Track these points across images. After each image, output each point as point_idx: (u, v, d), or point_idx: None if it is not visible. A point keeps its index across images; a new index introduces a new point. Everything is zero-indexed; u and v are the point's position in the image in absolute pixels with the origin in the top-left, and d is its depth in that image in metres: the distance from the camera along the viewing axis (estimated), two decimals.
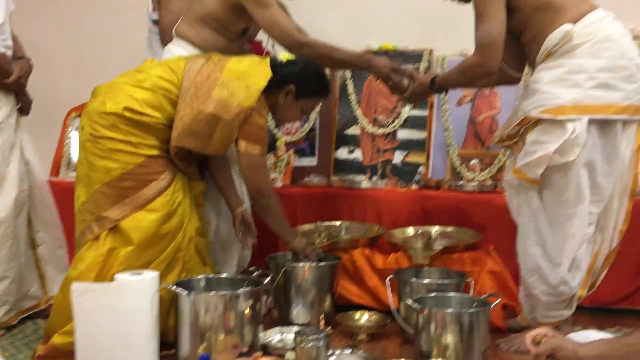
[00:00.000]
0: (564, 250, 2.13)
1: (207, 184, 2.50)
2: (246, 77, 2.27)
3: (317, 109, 3.31)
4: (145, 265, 2.17)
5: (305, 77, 2.37)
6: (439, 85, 2.40)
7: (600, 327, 2.31)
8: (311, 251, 2.51)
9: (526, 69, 2.46)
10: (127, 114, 2.19)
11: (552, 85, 2.09)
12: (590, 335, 1.62)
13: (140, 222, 2.18)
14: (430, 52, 3.43)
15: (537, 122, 2.11)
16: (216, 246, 2.57)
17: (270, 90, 2.32)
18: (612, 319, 2.64)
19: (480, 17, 2.17)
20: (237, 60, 2.33)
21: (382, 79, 2.54)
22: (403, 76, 2.52)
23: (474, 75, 2.23)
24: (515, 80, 2.51)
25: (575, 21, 2.09)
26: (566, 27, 2.08)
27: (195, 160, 2.41)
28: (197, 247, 2.36)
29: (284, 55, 2.40)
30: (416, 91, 2.50)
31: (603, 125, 2.08)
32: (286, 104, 2.38)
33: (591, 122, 2.05)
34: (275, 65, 2.35)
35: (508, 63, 2.39)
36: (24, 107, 2.64)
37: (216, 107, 2.21)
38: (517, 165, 2.17)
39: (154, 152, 2.24)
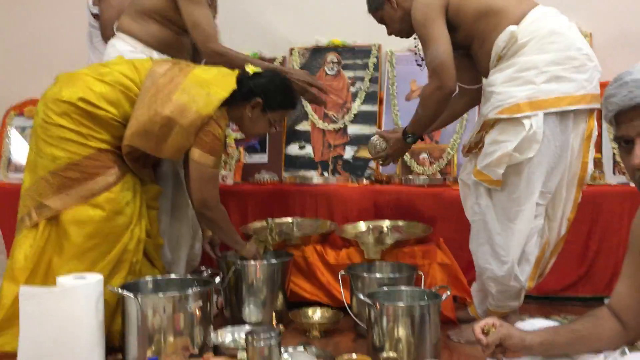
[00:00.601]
0: (511, 247, 2.16)
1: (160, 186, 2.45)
2: (209, 85, 2.23)
3: None
4: (90, 267, 2.10)
5: (272, 89, 2.33)
6: (412, 132, 2.41)
7: (547, 315, 2.38)
8: (255, 256, 2.50)
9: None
10: (82, 104, 2.14)
11: (505, 85, 2.11)
12: (536, 324, 1.65)
13: (80, 217, 2.11)
14: (379, 48, 3.45)
15: (495, 122, 2.13)
16: (165, 246, 2.51)
17: (236, 104, 2.28)
18: (557, 307, 2.72)
19: (424, 43, 2.23)
20: (203, 69, 2.31)
21: (298, 91, 2.51)
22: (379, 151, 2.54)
23: (437, 100, 2.22)
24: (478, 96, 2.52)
25: (517, 22, 2.13)
26: (511, 28, 2.12)
27: (150, 163, 2.35)
28: (146, 250, 2.31)
29: (250, 68, 2.37)
30: (394, 151, 2.51)
31: (558, 118, 2.10)
32: (253, 117, 2.34)
33: (546, 115, 2.07)
34: (242, 78, 2.31)
35: (464, 81, 2.42)
36: None
37: (174, 111, 2.17)
38: (478, 167, 2.18)
39: (105, 146, 2.18)
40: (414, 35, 2.35)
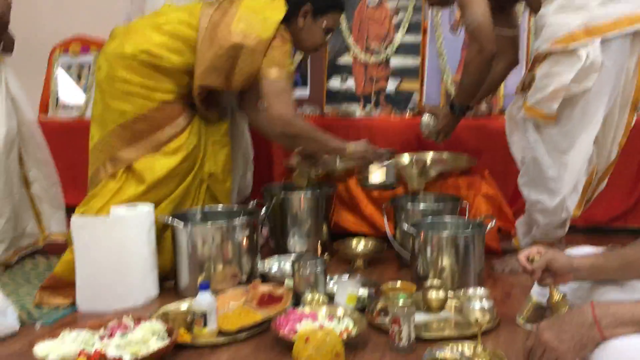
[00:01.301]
0: (564, 180, 2.11)
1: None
2: (262, 11, 2.24)
3: None
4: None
5: None
6: (459, 102, 2.37)
7: (594, 246, 2.34)
8: (375, 152, 2.35)
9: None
10: (145, 57, 2.18)
11: (557, 14, 2.01)
12: (585, 251, 1.64)
13: (153, 165, 2.18)
14: None
15: (547, 55, 2.04)
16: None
17: (288, 21, 2.29)
18: (605, 238, 2.67)
19: (462, 7, 2.17)
20: None
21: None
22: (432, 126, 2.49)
23: (479, 65, 2.17)
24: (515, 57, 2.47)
25: None
26: None
27: (217, 101, 2.39)
28: (215, 193, 2.38)
29: None
30: (444, 125, 2.46)
31: (616, 42, 1.99)
32: (306, 26, 2.33)
33: (604, 41, 1.97)
34: None
35: (503, 25, 2.34)
36: (6, 46, 2.56)
37: (235, 39, 2.19)
38: (528, 103, 2.10)
39: (170, 97, 2.23)
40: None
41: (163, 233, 2.21)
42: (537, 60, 2.09)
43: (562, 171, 2.11)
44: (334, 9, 2.40)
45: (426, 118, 2.54)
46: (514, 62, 2.49)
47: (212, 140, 2.38)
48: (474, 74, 2.24)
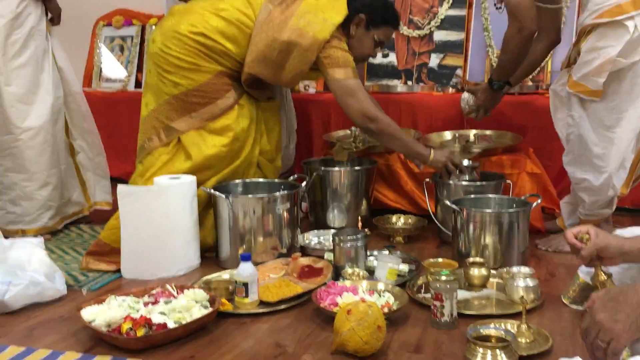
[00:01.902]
0: (610, 157, 2.06)
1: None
2: (324, 11, 2.24)
3: None
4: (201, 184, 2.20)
5: (375, 5, 2.33)
6: (497, 79, 2.37)
7: None
8: (457, 163, 2.29)
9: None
10: (200, 38, 2.20)
11: None
12: (634, 232, 1.59)
13: (201, 143, 2.21)
14: None
15: (592, 29, 1.99)
16: None
17: (345, 25, 2.29)
18: None
19: None
20: None
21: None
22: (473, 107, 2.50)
23: (519, 43, 2.17)
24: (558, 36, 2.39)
25: None
26: None
27: (266, 87, 2.41)
28: (264, 172, 2.41)
29: None
30: (484, 101, 2.47)
31: None
32: (358, 34, 2.33)
33: None
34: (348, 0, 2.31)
35: (546, 1, 2.26)
36: (54, 16, 2.59)
37: (291, 36, 2.20)
38: (574, 78, 2.05)
39: (221, 68, 2.25)
40: None
41: (206, 210, 2.23)
42: (582, 34, 2.04)
43: (609, 148, 2.05)
44: (388, 24, 2.39)
45: (466, 95, 2.54)
46: (556, 40, 2.41)
47: (264, 118, 2.40)
48: (512, 52, 2.23)
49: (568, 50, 2.21)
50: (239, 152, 2.28)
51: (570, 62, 2.16)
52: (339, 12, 2.26)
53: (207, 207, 2.23)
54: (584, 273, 1.71)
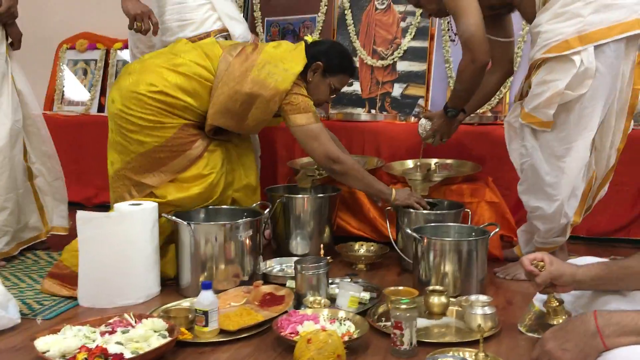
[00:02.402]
0: (561, 185, 2.12)
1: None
2: (283, 60, 2.28)
3: None
4: None
5: (332, 54, 2.40)
6: (452, 106, 2.45)
7: (596, 256, 2.34)
8: (418, 199, 2.37)
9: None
10: (161, 97, 2.20)
11: (551, 22, 2.03)
12: (587, 261, 1.64)
13: (175, 195, 2.22)
14: None
15: (542, 63, 2.06)
16: None
17: (302, 72, 2.33)
18: (607, 249, 2.68)
19: (455, 16, 2.20)
20: (273, 46, 2.35)
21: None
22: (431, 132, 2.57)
23: (471, 74, 2.23)
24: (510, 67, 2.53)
25: None
26: None
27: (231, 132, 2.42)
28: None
29: (309, 37, 2.46)
30: (439, 126, 2.54)
31: (610, 48, 2.00)
32: (314, 81, 2.37)
33: (597, 48, 1.98)
34: (305, 48, 2.37)
35: (498, 34, 2.39)
36: (14, 41, 2.56)
37: (253, 87, 2.23)
38: (526, 110, 2.11)
39: (184, 122, 2.24)
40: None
41: (168, 242, 2.23)
42: (533, 67, 2.11)
43: (560, 177, 2.12)
44: (344, 72, 2.45)
45: (423, 121, 2.61)
46: (509, 71, 2.53)
47: (238, 154, 2.43)
48: (466, 82, 2.29)
49: (520, 83, 2.28)
50: (211, 193, 2.29)
51: (522, 95, 2.23)
52: (299, 61, 2.30)
53: (169, 240, 2.22)
54: (539, 301, 1.75)
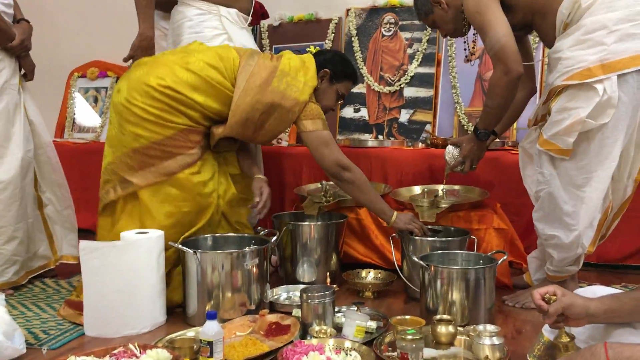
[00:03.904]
0: (580, 215, 2.08)
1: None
2: (300, 73, 2.35)
3: None
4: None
5: (338, 61, 2.48)
6: (483, 128, 2.33)
7: (606, 283, 2.31)
8: (419, 227, 2.38)
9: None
10: (169, 91, 2.22)
11: (573, 49, 2.01)
12: (597, 291, 1.61)
13: (159, 195, 2.21)
14: None
15: (563, 89, 2.03)
16: None
17: None
18: (617, 275, 2.65)
19: (482, 31, 2.15)
20: (289, 58, 2.40)
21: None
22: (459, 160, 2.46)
23: (505, 87, 2.13)
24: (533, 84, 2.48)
25: None
26: None
27: (235, 142, 2.44)
28: (229, 222, 2.41)
29: (311, 48, 2.56)
30: (469, 152, 2.42)
31: (633, 78, 1.97)
32: (323, 87, 2.43)
33: (620, 77, 1.95)
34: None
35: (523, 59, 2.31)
36: (27, 72, 2.61)
37: (274, 98, 2.28)
38: (545, 136, 2.08)
39: (185, 127, 2.26)
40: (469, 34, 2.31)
41: (174, 268, 2.23)
42: (553, 93, 2.08)
43: (579, 206, 2.07)
44: (349, 79, 2.52)
45: (450, 148, 2.48)
46: (533, 91, 2.49)
47: (225, 163, 2.43)
48: (500, 97, 2.18)
49: (535, 108, 2.26)
50: (207, 206, 2.29)
51: (537, 120, 2.21)
52: (313, 73, 2.37)
53: (176, 265, 2.22)
54: (548, 331, 1.72)
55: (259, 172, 2.50)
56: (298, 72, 2.34)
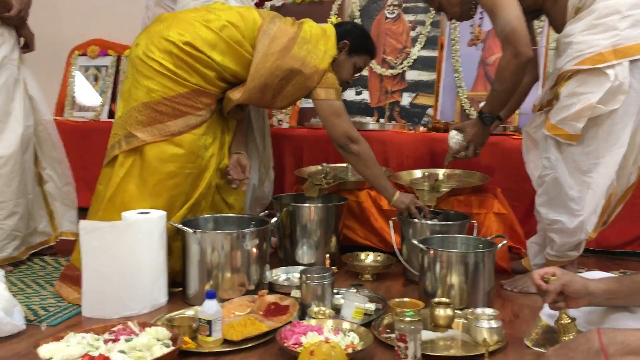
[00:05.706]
0: (586, 201, 2.07)
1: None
2: (321, 42, 2.34)
3: None
4: (167, 207, 2.18)
5: (358, 34, 2.48)
6: (489, 111, 2.27)
7: (605, 270, 2.30)
8: (421, 206, 2.38)
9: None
10: (186, 47, 2.20)
11: (585, 34, 1.98)
12: (596, 276, 1.62)
13: (163, 154, 2.19)
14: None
15: (572, 74, 2.01)
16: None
17: None
18: (616, 262, 2.66)
19: (492, 12, 2.09)
20: (310, 25, 2.38)
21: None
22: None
23: (515, 69, 2.08)
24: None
25: None
26: None
27: (244, 108, 2.45)
28: (225, 198, 2.41)
29: (332, 18, 2.56)
30: (473, 136, 2.36)
31: None
32: (340, 59, 2.42)
33: (632, 63, 1.93)
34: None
35: None
36: (28, 42, 2.59)
37: (294, 64, 2.27)
38: (552, 121, 2.06)
39: (198, 87, 2.24)
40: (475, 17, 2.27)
41: (174, 238, 2.21)
42: (562, 78, 2.05)
43: (584, 192, 2.06)
44: (368, 53, 2.51)
45: (453, 132, 2.44)
46: (537, 77, 2.47)
47: (228, 130, 2.42)
48: (508, 80, 2.13)
49: (541, 93, 2.23)
50: (204, 170, 2.27)
51: (543, 105, 2.19)
52: (334, 43, 2.36)
53: (175, 234, 2.21)
54: (546, 316, 1.73)
55: (243, 149, 2.48)
56: (319, 40, 2.33)
